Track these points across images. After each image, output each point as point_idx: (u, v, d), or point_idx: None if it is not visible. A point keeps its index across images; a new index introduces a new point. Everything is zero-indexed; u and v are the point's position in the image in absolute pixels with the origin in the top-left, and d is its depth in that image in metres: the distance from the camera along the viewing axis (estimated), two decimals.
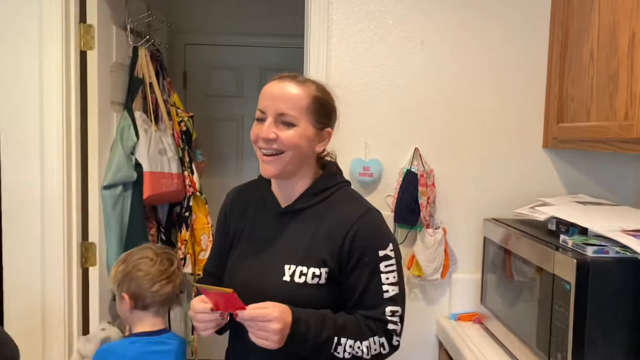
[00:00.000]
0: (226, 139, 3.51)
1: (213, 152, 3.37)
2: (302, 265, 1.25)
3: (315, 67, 1.99)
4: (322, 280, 1.25)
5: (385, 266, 1.26)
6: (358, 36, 1.99)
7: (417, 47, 2.00)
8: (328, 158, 1.43)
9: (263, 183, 1.38)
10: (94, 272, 2.11)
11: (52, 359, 1.99)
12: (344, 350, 1.20)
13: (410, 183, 1.96)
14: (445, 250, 2.00)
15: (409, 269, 2.02)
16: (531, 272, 1.60)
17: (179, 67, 3.43)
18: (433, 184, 1.99)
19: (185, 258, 2.56)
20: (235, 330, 1.34)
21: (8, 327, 1.97)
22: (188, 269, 2.58)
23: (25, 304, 1.98)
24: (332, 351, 1.20)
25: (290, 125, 1.24)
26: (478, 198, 2.04)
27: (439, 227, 2.00)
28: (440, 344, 2.02)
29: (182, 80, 3.44)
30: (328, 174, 1.36)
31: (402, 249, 2.03)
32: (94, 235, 2.11)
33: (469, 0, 1.99)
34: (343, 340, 1.21)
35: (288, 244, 1.29)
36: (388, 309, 1.25)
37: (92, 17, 2.06)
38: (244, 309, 1.14)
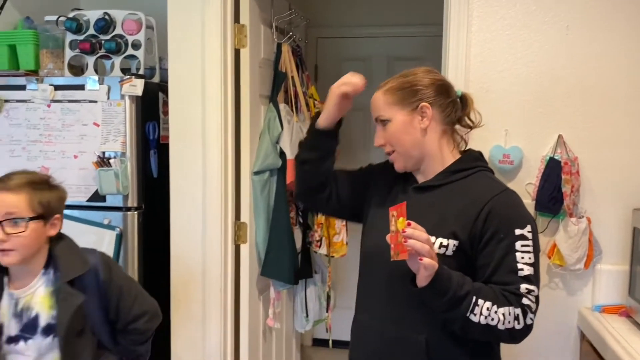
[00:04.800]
0: (354, 129, 3.62)
1: (343, 141, 3.48)
2: (431, 235, 1.23)
3: (455, 55, 2.01)
4: (449, 252, 1.28)
5: (522, 245, 1.24)
6: (499, 23, 1.99)
7: (561, 32, 1.96)
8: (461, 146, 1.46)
9: None
10: (244, 249, 2.34)
11: (211, 324, 2.24)
12: (480, 313, 1.19)
13: (553, 171, 1.94)
14: (590, 240, 1.95)
15: (549, 257, 1.99)
16: None
17: (311, 61, 3.60)
18: (577, 172, 1.94)
19: (320, 240, 2.72)
20: (360, 304, 1.47)
21: (174, 295, 2.26)
22: (323, 250, 2.75)
23: (189, 275, 2.24)
24: (468, 313, 1.19)
25: (386, 122, 1.40)
26: (626, 187, 1.95)
27: (583, 216, 1.95)
28: (582, 335, 1.98)
29: (313, 73, 3.61)
30: (468, 157, 1.41)
31: (543, 238, 2.01)
32: (245, 216, 2.33)
33: None
34: (480, 301, 1.20)
35: (419, 215, 1.27)
36: (523, 285, 1.22)
37: (244, 18, 2.26)
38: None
